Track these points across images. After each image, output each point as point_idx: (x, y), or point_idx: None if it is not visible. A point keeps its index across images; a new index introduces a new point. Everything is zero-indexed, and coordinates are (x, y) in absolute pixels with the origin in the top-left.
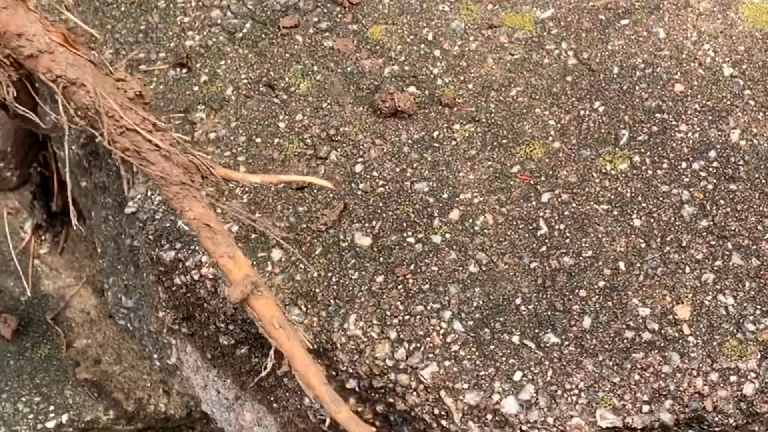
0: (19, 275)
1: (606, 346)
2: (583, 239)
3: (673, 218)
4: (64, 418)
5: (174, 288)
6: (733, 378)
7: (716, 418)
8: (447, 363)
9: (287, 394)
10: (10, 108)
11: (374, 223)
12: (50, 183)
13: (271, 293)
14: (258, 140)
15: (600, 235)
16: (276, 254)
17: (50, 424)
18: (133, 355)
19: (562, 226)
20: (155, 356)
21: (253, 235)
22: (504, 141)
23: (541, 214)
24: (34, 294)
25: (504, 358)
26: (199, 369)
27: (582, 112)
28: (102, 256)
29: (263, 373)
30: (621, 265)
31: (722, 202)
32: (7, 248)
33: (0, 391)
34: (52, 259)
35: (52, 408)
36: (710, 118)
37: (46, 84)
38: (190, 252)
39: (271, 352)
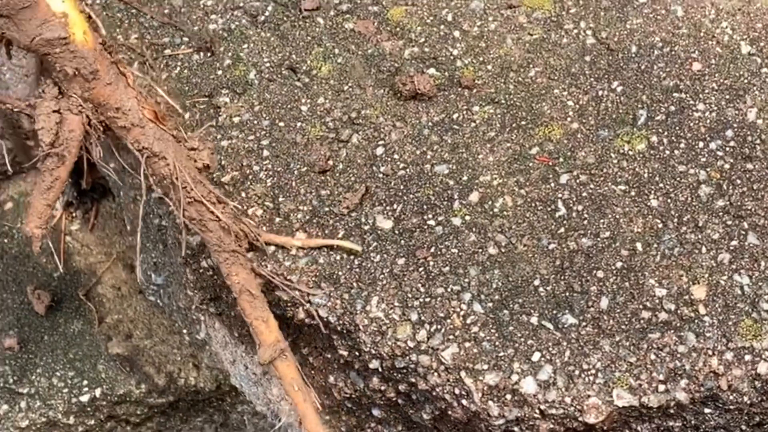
0: (52, 252)
1: (623, 327)
2: (601, 220)
3: (690, 198)
4: (98, 392)
5: (201, 270)
6: (747, 357)
7: (731, 397)
8: (467, 344)
9: (312, 371)
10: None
11: (395, 206)
12: (80, 161)
13: (293, 357)
14: (281, 124)
15: (617, 216)
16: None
17: (84, 398)
18: (164, 330)
19: (580, 208)
20: (185, 331)
21: (277, 219)
22: (523, 122)
23: (560, 195)
24: (66, 270)
25: (523, 339)
26: (227, 344)
27: (600, 92)
28: (131, 233)
29: (281, 423)
30: (638, 245)
31: (739, 181)
32: None
33: (35, 366)
34: (83, 236)
35: (85, 382)
36: (727, 97)
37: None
38: None
39: (286, 408)
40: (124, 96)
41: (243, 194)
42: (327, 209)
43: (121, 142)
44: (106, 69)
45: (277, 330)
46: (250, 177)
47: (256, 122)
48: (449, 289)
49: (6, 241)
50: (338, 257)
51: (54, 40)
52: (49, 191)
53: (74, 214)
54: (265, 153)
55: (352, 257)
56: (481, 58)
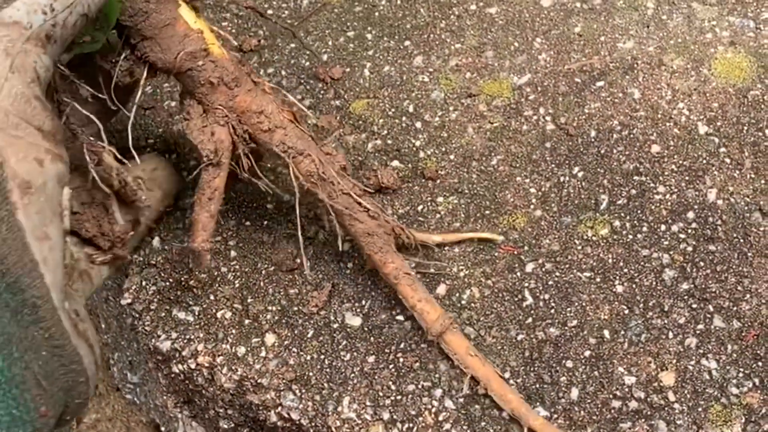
0: None
1: (594, 417)
2: (568, 308)
3: (654, 283)
4: None
5: (172, 375)
6: None
7: None
8: None
9: None
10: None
11: (363, 302)
12: None
13: (460, 330)
14: (248, 223)
15: (584, 304)
16: (269, 339)
17: None
18: (142, 428)
19: (546, 296)
20: (163, 429)
21: (247, 321)
22: (487, 212)
23: (526, 284)
24: None
25: None
26: None
27: (562, 179)
28: (106, 332)
29: (463, 392)
30: (606, 333)
31: (702, 264)
32: None
33: None
34: None
35: None
36: (687, 178)
37: (277, 154)
38: (185, 342)
39: (467, 379)
40: (264, 101)
41: (212, 297)
42: (296, 308)
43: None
44: (244, 77)
45: (440, 307)
46: (219, 279)
47: (223, 223)
48: (420, 386)
49: None
50: (308, 357)
51: (196, 52)
52: (210, 202)
53: None
54: (233, 254)
55: (322, 357)
56: (443, 148)
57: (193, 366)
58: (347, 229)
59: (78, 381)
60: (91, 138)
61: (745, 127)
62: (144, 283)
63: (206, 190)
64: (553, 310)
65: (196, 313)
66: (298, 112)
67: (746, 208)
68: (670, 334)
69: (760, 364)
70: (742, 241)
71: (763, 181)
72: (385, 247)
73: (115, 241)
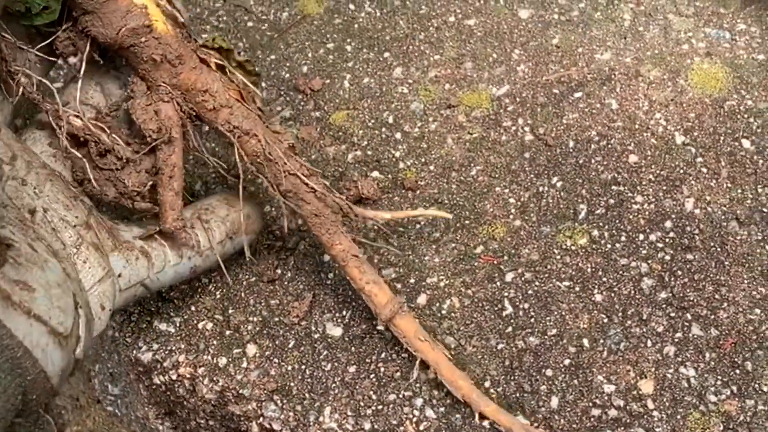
0: None
1: (574, 426)
2: (548, 317)
3: (633, 291)
4: None
5: (154, 387)
6: None
7: None
8: None
9: None
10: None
11: (344, 312)
12: None
13: (411, 313)
14: None
15: (563, 313)
16: (251, 350)
17: None
18: None
19: (526, 305)
20: None
21: (228, 332)
22: (467, 222)
23: (506, 294)
24: None
25: None
26: None
27: (541, 189)
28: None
29: (414, 377)
30: (585, 341)
31: (680, 272)
32: None
33: None
34: None
35: None
36: (665, 187)
37: (223, 134)
38: (167, 353)
39: (417, 363)
40: (209, 78)
41: (193, 308)
42: (277, 319)
43: None
44: (189, 54)
45: (389, 291)
46: (200, 290)
47: None
48: (401, 395)
49: None
50: (289, 368)
51: (139, 29)
52: (172, 180)
53: None
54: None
55: (303, 367)
56: (423, 159)
57: (174, 377)
58: (295, 210)
59: (16, 357)
60: (54, 105)
61: (722, 137)
62: None
63: (165, 169)
64: (532, 319)
65: (177, 324)
66: (246, 89)
67: (723, 217)
68: (649, 343)
69: (737, 371)
70: (719, 250)
71: (739, 191)
72: (332, 228)
73: (133, 195)
